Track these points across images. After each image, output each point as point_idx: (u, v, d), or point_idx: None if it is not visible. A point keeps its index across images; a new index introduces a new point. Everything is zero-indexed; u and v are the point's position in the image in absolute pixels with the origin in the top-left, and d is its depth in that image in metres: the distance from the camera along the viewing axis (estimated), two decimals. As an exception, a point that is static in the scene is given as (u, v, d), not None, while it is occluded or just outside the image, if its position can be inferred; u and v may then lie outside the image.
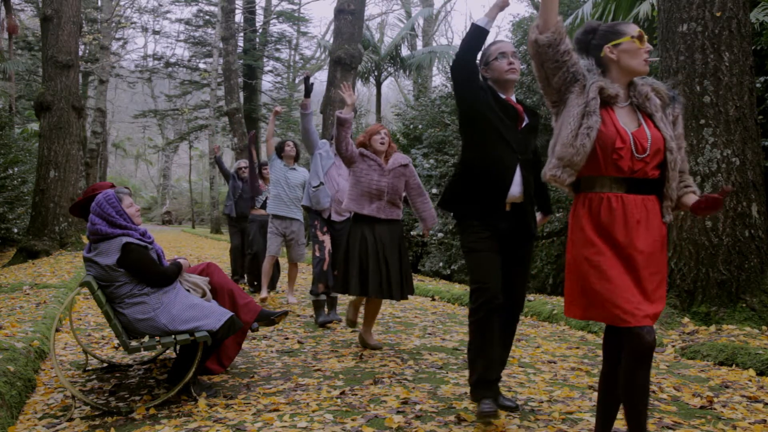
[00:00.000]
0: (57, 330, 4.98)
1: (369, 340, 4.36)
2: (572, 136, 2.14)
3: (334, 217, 5.24)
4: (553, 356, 4.09)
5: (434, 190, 9.47)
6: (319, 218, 5.23)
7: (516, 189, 2.78)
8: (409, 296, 4.31)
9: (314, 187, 5.22)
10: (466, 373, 3.63)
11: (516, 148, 2.78)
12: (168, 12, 40.85)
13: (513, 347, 4.37)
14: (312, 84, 5.34)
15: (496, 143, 2.77)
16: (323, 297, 5.31)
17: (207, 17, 25.88)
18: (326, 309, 5.45)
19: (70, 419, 2.97)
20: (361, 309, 4.84)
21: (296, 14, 27.32)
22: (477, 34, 2.75)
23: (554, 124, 2.30)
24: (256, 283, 7.20)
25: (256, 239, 7.07)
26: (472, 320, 2.74)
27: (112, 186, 3.51)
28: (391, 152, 4.32)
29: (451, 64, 2.72)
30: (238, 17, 24.69)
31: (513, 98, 2.90)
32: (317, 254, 5.12)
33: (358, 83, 18.82)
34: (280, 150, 6.28)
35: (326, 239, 5.18)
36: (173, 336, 3.15)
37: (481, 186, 2.80)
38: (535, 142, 2.93)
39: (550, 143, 2.28)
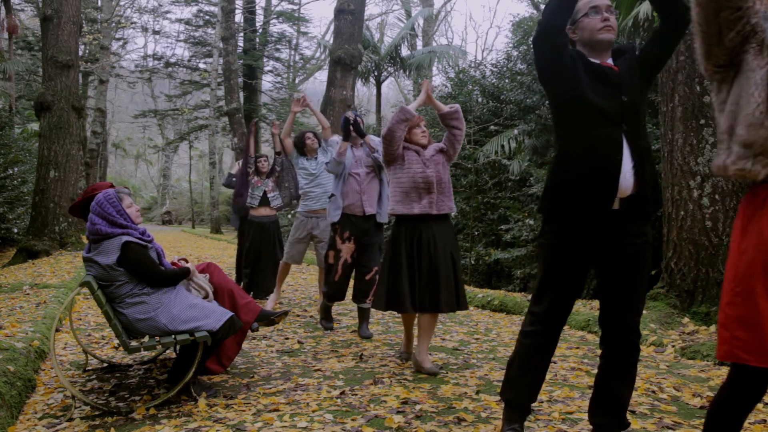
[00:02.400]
0: (57, 330, 4.98)
1: (424, 363, 3.65)
2: (761, 111, 1.60)
3: (367, 211, 4.72)
4: (554, 356, 4.08)
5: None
6: (341, 221, 4.73)
7: (627, 178, 2.17)
8: (462, 311, 3.83)
9: (329, 199, 4.90)
10: (466, 373, 3.64)
11: (622, 122, 2.19)
12: (168, 12, 40.90)
13: (513, 347, 4.38)
14: (354, 123, 4.76)
15: (594, 121, 2.19)
16: (330, 303, 5.04)
17: (207, 17, 25.87)
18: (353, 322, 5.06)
19: (70, 419, 2.97)
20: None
21: (296, 14, 27.32)
22: None
23: (714, 96, 1.78)
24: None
25: (254, 246, 6.44)
26: (523, 341, 2.40)
27: (112, 186, 3.52)
28: (429, 144, 3.94)
29: (534, 34, 2.22)
30: (238, 17, 24.70)
31: (610, 61, 2.31)
32: (330, 261, 4.72)
33: (358, 83, 18.82)
34: (300, 145, 5.82)
35: (345, 248, 4.68)
36: (173, 336, 3.15)
37: (578, 182, 2.20)
38: (644, 101, 2.31)
39: (720, 125, 1.74)
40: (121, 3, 24.06)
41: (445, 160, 3.82)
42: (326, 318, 5.14)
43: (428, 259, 3.60)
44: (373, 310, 6.13)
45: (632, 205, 2.20)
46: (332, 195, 4.79)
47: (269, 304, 5.84)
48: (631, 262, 2.24)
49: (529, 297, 6.38)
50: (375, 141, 4.82)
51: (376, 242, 4.79)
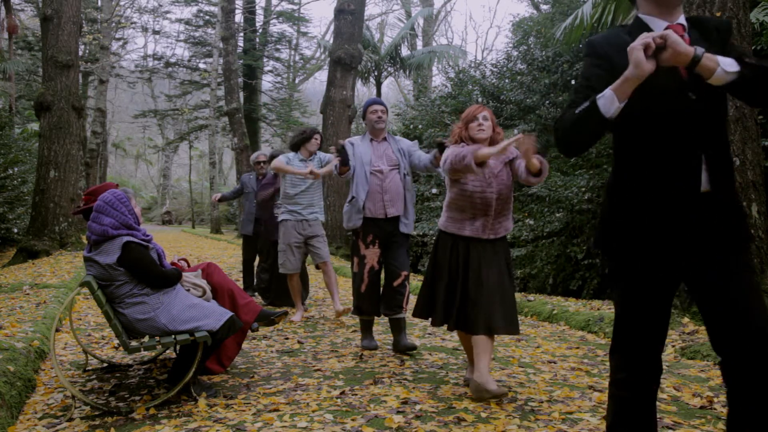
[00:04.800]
0: (57, 330, 4.98)
1: (488, 385, 3.03)
2: None
3: (390, 212, 4.16)
4: (553, 356, 4.09)
5: (434, 190, 9.46)
6: (366, 223, 4.19)
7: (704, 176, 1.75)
8: (515, 335, 3.26)
9: (348, 202, 4.27)
10: (466, 373, 3.63)
11: (689, 119, 1.74)
12: (168, 12, 40.91)
13: (513, 347, 4.39)
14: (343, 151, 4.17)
15: (659, 130, 1.76)
16: (368, 317, 4.32)
17: (207, 17, 25.90)
18: (378, 333, 4.57)
19: (70, 419, 2.97)
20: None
21: (296, 14, 27.33)
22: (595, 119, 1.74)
23: None
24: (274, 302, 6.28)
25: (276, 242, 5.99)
26: (613, 393, 1.89)
27: (117, 186, 3.51)
28: (499, 140, 3.26)
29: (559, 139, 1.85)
30: (238, 17, 24.70)
31: (681, 21, 1.81)
32: (356, 269, 4.19)
33: (358, 83, 18.83)
34: (302, 143, 5.47)
35: (369, 253, 4.15)
36: (173, 336, 3.14)
37: (638, 200, 1.80)
38: (722, 101, 1.81)
39: None
40: (121, 3, 24.07)
41: (510, 174, 3.26)
42: (366, 336, 4.39)
43: (476, 277, 3.14)
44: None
45: (712, 201, 1.77)
46: (352, 198, 4.23)
47: (297, 315, 5.56)
48: (724, 252, 1.77)
49: (529, 297, 6.38)
50: (404, 144, 4.34)
51: (403, 244, 4.24)
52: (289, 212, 5.52)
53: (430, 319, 3.39)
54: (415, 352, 4.20)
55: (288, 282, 5.66)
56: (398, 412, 2.88)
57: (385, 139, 4.32)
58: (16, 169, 12.12)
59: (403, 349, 4.16)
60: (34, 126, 17.19)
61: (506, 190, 3.22)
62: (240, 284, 6.64)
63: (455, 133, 3.31)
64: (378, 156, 4.22)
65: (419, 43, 23.87)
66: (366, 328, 4.38)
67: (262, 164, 6.72)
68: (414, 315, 3.41)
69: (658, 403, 3.01)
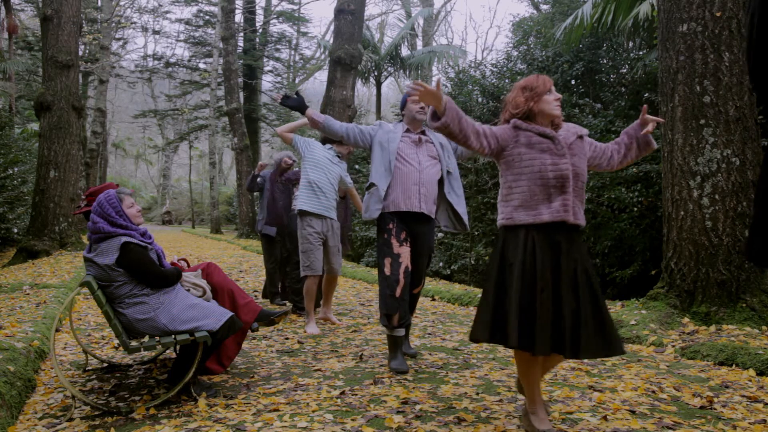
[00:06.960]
0: (57, 330, 4.98)
1: (540, 424, 2.55)
2: None
3: (423, 208, 3.74)
4: (553, 356, 4.08)
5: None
6: (395, 219, 3.74)
7: None
8: (614, 356, 2.67)
9: (366, 190, 3.84)
10: (466, 373, 3.64)
11: None
12: (168, 12, 40.91)
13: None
14: (294, 96, 3.79)
15: None
16: (400, 331, 3.73)
17: (207, 17, 25.91)
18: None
19: (70, 419, 2.97)
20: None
21: (296, 14, 27.34)
22: None
23: None
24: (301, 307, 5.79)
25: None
26: None
27: (117, 186, 3.52)
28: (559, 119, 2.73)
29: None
30: (238, 17, 24.72)
31: None
32: (387, 272, 3.64)
33: (358, 83, 18.83)
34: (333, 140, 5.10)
35: (404, 251, 3.67)
36: (173, 336, 3.15)
37: None
38: None
39: None
40: (121, 3, 24.07)
41: (584, 150, 2.69)
42: (395, 355, 3.76)
43: (568, 283, 2.47)
44: (375, 310, 6.12)
45: None
46: (371, 185, 3.80)
47: (311, 327, 5.05)
48: None
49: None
50: (444, 138, 3.86)
51: (429, 248, 3.91)
52: (313, 203, 5.02)
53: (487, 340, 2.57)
54: (415, 352, 4.20)
55: (308, 284, 5.08)
56: (398, 412, 2.88)
57: (423, 132, 3.90)
58: (16, 169, 12.13)
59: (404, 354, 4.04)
60: (34, 126, 17.21)
61: (582, 167, 2.62)
62: (240, 284, 6.63)
63: (518, 105, 2.64)
64: (413, 143, 3.81)
65: (419, 43, 23.90)
66: (396, 346, 3.76)
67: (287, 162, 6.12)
68: (472, 339, 2.58)
69: (657, 403, 3.01)
